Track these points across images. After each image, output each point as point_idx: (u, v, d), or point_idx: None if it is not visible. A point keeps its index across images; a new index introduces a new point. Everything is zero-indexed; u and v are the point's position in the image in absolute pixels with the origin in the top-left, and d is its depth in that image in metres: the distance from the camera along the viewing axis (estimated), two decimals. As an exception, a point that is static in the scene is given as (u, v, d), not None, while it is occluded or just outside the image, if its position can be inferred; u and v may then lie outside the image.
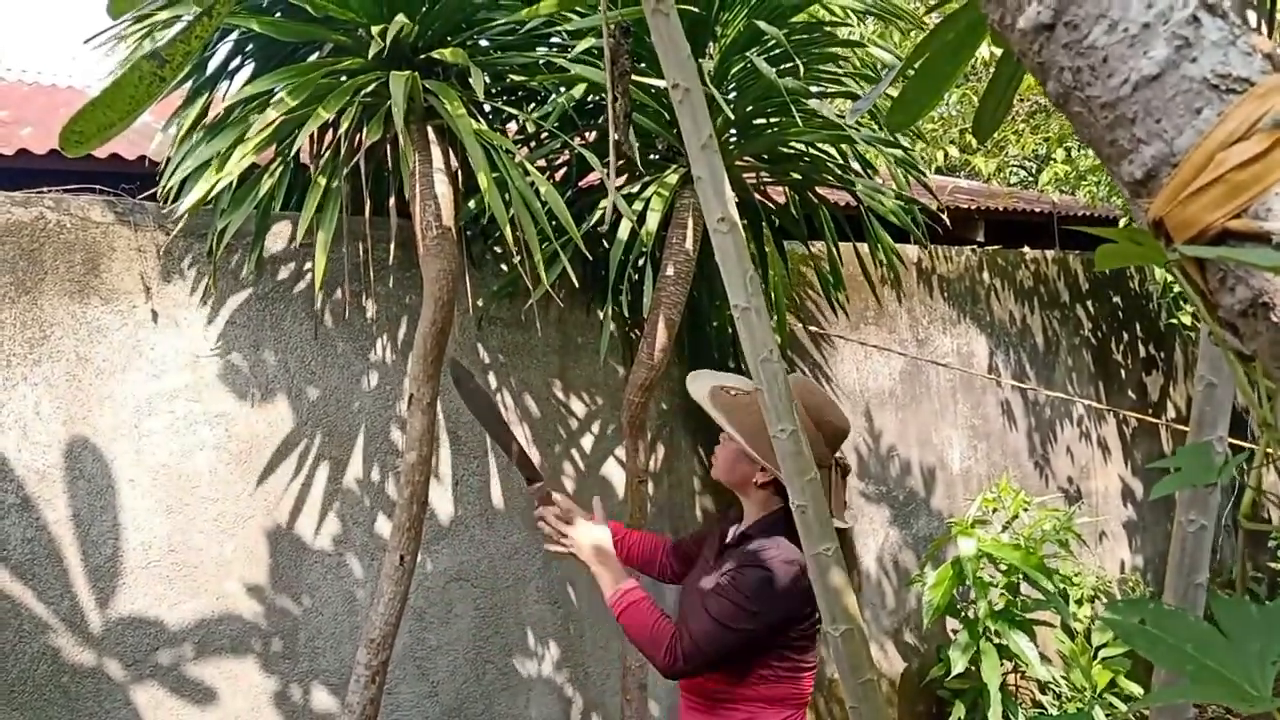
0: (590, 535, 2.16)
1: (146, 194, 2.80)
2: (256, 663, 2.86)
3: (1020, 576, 4.18)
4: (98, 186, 2.76)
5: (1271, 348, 0.62)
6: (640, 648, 2.00)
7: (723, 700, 2.01)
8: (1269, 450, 0.75)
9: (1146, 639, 0.64)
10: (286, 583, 2.92)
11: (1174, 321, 5.68)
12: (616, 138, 1.52)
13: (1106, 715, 4.32)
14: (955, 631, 4.33)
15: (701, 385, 2.13)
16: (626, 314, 3.43)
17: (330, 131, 2.85)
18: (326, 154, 2.74)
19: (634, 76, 2.73)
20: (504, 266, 3.36)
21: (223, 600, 2.81)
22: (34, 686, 2.54)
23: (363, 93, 2.57)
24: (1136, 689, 4.27)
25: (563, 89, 2.99)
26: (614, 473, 3.62)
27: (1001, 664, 4.10)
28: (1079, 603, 4.57)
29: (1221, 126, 0.62)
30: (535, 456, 3.43)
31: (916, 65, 1.38)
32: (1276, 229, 0.59)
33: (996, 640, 4.11)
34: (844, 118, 2.91)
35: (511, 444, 2.38)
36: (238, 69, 2.90)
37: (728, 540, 2.12)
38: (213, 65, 2.84)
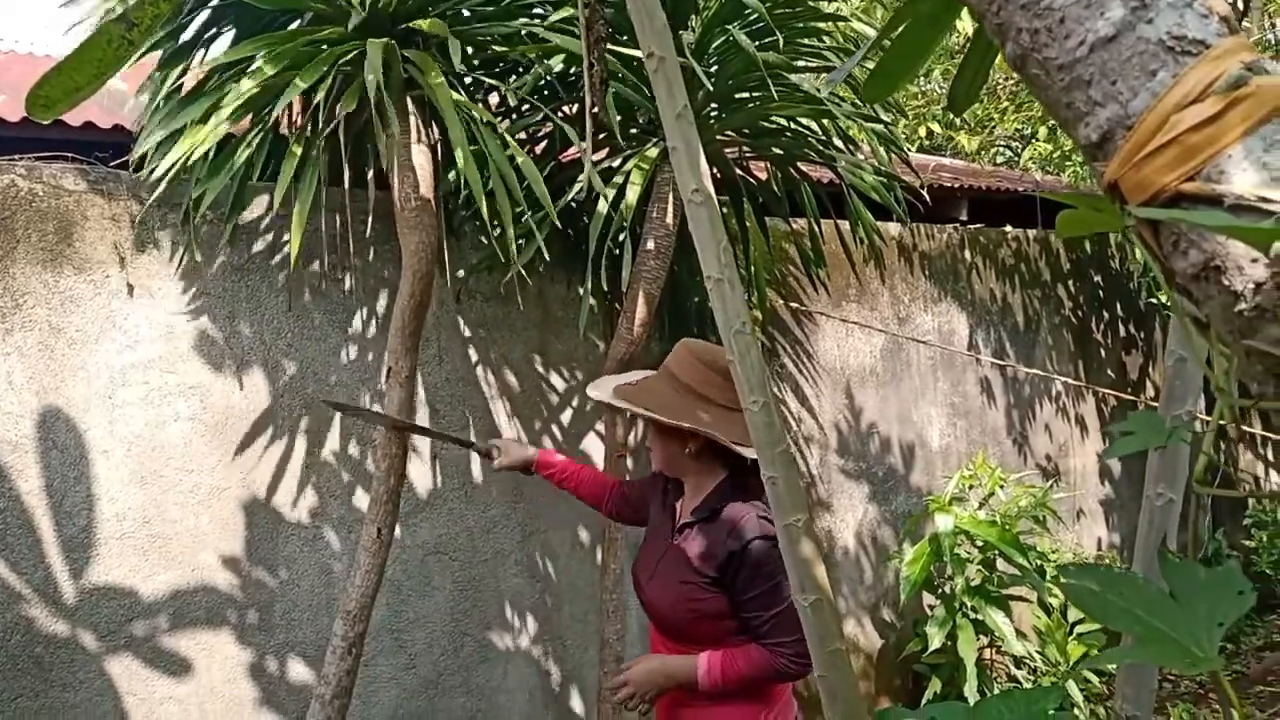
0: (647, 668, 2.06)
1: (119, 161, 2.77)
2: (232, 634, 2.85)
3: (996, 553, 4.22)
4: (70, 154, 2.72)
5: (1223, 312, 0.62)
6: (766, 683, 1.98)
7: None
8: (1223, 419, 0.76)
9: (1097, 602, 0.64)
10: (262, 555, 2.92)
11: (1154, 301, 5.72)
12: (592, 104, 1.51)
13: (1080, 690, 4.37)
14: (932, 607, 4.37)
15: (603, 389, 2.20)
16: (606, 289, 3.42)
17: (308, 101, 2.82)
18: (305, 124, 2.71)
19: (615, 49, 2.71)
20: (484, 239, 3.34)
21: (198, 572, 2.81)
22: (7, 657, 2.53)
23: (341, 62, 2.54)
24: (1110, 664, 4.31)
25: (543, 60, 2.97)
26: (594, 447, 3.62)
27: (978, 639, 4.14)
28: (1055, 579, 4.61)
29: (1177, 89, 0.61)
30: (511, 432, 3.42)
31: (893, 36, 1.38)
32: (1228, 191, 0.59)
33: (973, 616, 4.15)
34: (823, 91, 2.90)
35: (418, 427, 2.64)
36: (215, 36, 2.86)
37: (685, 518, 2.12)
38: (190, 32, 2.80)
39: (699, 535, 2.04)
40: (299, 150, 2.59)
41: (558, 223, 2.67)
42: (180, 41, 2.78)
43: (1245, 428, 0.76)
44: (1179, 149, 0.61)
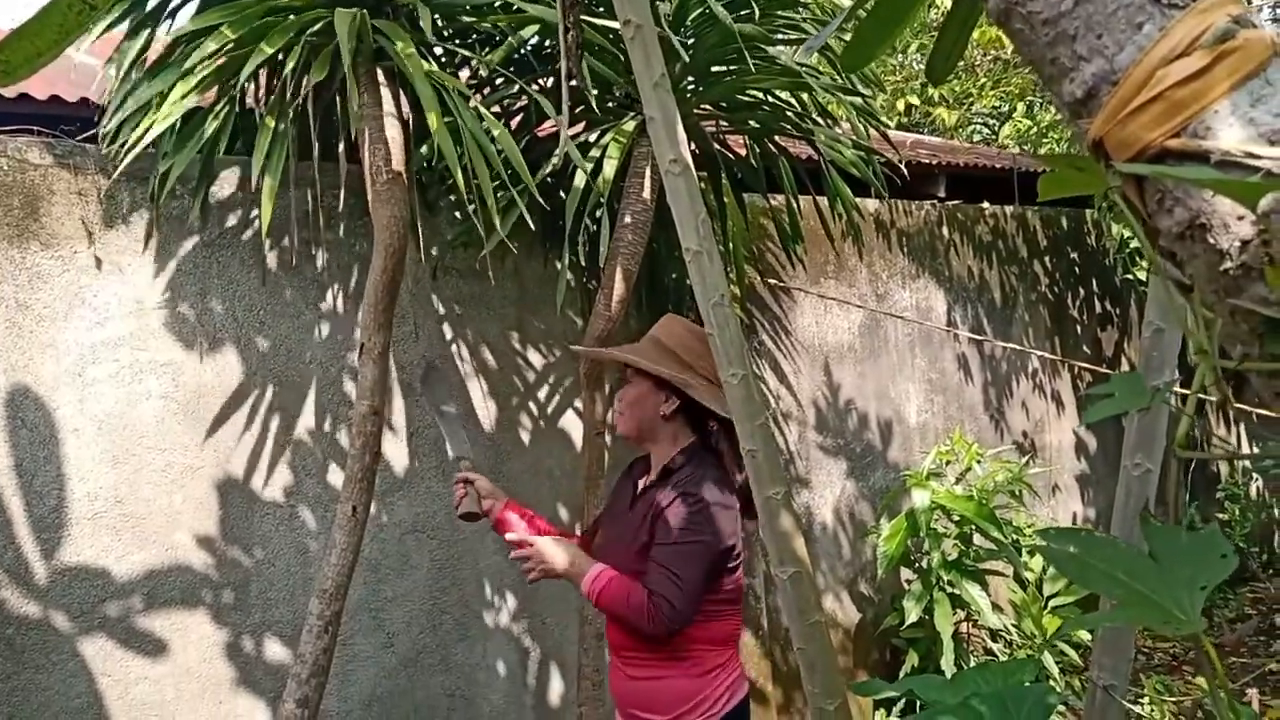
0: (552, 546, 2.07)
1: (86, 134, 2.71)
2: (208, 614, 2.83)
3: (973, 528, 4.24)
4: (35, 128, 2.67)
5: (1208, 271, 0.61)
6: (627, 624, 2.00)
7: (664, 652, 2.02)
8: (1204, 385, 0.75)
9: (1077, 565, 0.64)
10: (237, 534, 2.89)
11: (1129, 277, 5.75)
12: (568, 71, 1.49)
13: (1056, 662, 4.41)
14: (909, 582, 4.39)
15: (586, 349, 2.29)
16: (584, 265, 3.39)
17: (277, 72, 2.77)
18: (273, 96, 2.67)
19: (591, 19, 2.68)
20: (459, 215, 3.30)
21: (172, 551, 2.78)
22: (-22, 639, 2.50)
23: (310, 32, 2.49)
24: (1086, 636, 4.36)
25: (516, 30, 2.93)
26: (572, 425, 3.60)
27: (954, 613, 4.17)
28: (1031, 553, 4.65)
29: (1163, 42, 0.60)
30: (488, 410, 3.40)
31: (869, 4, 1.36)
32: (1214, 147, 0.58)
33: (949, 590, 4.18)
34: (801, 64, 2.87)
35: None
36: (181, 5, 2.80)
37: (644, 484, 2.15)
38: (155, 1, 2.74)
39: (650, 497, 2.06)
40: (271, 122, 2.54)
41: (537, 196, 2.64)
42: (146, 10, 2.71)
43: (1225, 395, 0.75)
44: (1165, 104, 0.60)
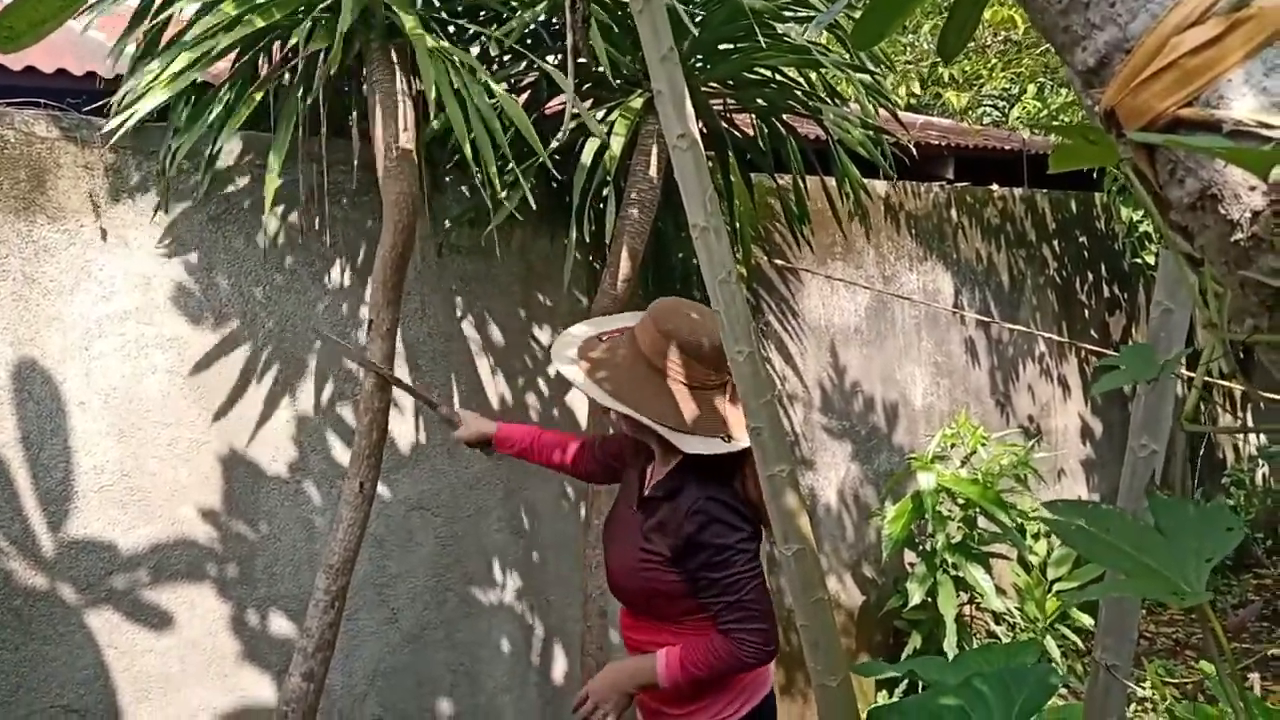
0: (604, 678, 2.03)
1: (92, 107, 2.71)
2: (213, 588, 2.84)
3: (977, 511, 4.25)
4: (42, 100, 2.66)
5: (1219, 242, 0.61)
6: (729, 673, 1.94)
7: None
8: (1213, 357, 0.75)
9: (1084, 538, 0.63)
10: (243, 509, 2.90)
11: (1138, 261, 5.72)
12: (575, 43, 1.48)
13: (1058, 645, 4.42)
14: (913, 564, 4.40)
15: (571, 350, 2.10)
16: (590, 243, 3.39)
17: (286, 48, 2.77)
18: (281, 71, 2.66)
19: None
20: (467, 192, 3.30)
21: (178, 525, 2.79)
22: (-14, 610, 2.51)
23: (318, 7, 2.49)
24: (1088, 620, 4.37)
25: (525, 6, 2.91)
26: (578, 402, 3.60)
27: (958, 595, 4.18)
28: (1035, 537, 4.65)
29: (1176, 10, 0.59)
30: (495, 388, 3.41)
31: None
32: (1227, 117, 0.58)
33: (953, 572, 4.19)
34: (810, 41, 2.86)
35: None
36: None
37: (646, 492, 2.09)
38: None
39: (657, 511, 2.00)
40: (258, 96, 2.54)
41: (551, 168, 2.63)
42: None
43: (1227, 381, 0.74)
44: (1178, 73, 0.59)
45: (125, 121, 2.42)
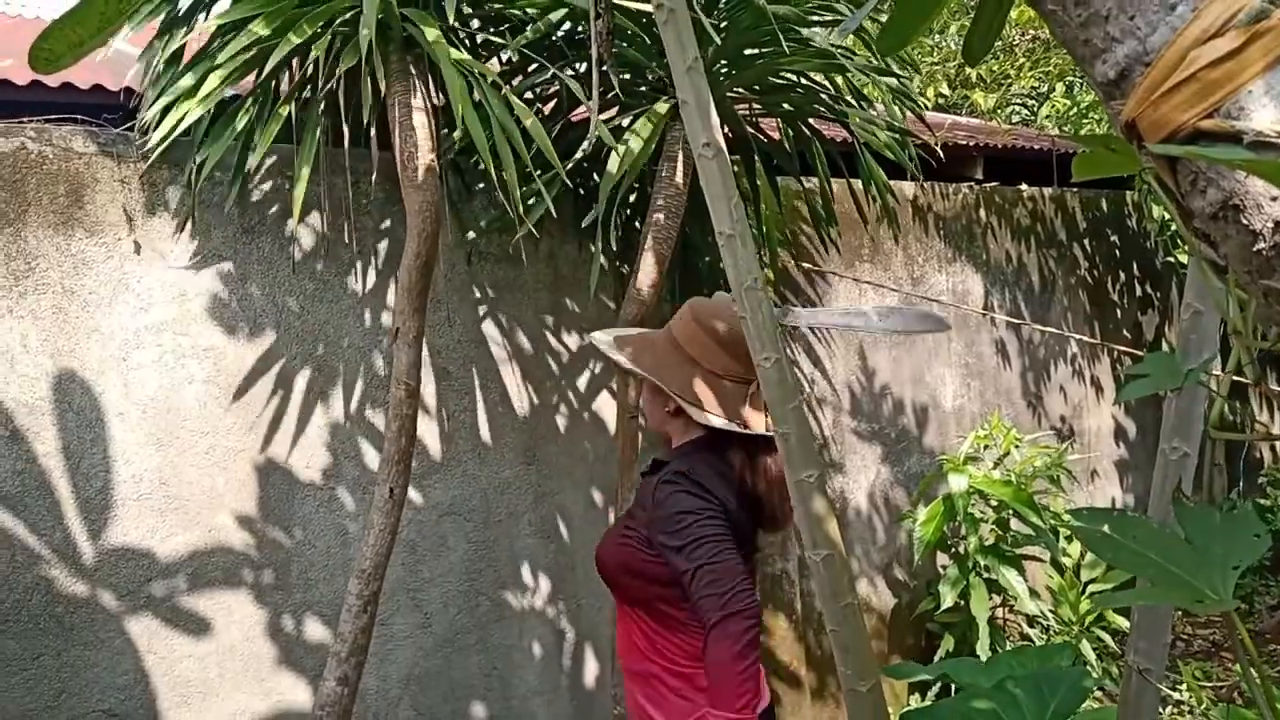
0: None
1: (127, 125, 2.76)
2: (250, 594, 2.88)
3: (1010, 513, 4.22)
4: (79, 116, 2.71)
5: (1242, 252, 0.61)
6: (749, 658, 1.79)
7: (663, 671, 1.94)
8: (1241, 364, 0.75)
9: (1110, 545, 0.64)
10: (278, 515, 2.94)
11: (1170, 260, 5.66)
12: (598, 55, 1.49)
13: (1093, 648, 4.38)
14: (945, 567, 4.37)
15: (605, 337, 2.11)
16: (617, 249, 3.40)
17: (308, 62, 2.81)
18: (303, 85, 2.70)
19: (622, 3, 2.68)
20: (494, 198, 3.32)
21: (215, 533, 2.83)
22: (29, 616, 2.56)
23: (339, 22, 2.52)
24: (1123, 622, 4.33)
25: (547, 16, 2.93)
26: (606, 408, 3.62)
27: (990, 598, 4.15)
28: (1069, 539, 4.61)
29: (1196, 22, 0.60)
30: (521, 397, 3.43)
31: (905, -17, 1.35)
32: (1248, 128, 0.58)
33: (986, 575, 4.16)
34: (836, 45, 2.86)
35: None
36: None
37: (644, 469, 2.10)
38: (193, -7, 2.78)
39: (641, 488, 2.00)
40: (283, 111, 2.58)
41: (568, 181, 2.65)
42: (183, 4, 2.75)
43: (1259, 380, 0.74)
44: (1198, 85, 0.60)
45: (166, 137, 2.47)
